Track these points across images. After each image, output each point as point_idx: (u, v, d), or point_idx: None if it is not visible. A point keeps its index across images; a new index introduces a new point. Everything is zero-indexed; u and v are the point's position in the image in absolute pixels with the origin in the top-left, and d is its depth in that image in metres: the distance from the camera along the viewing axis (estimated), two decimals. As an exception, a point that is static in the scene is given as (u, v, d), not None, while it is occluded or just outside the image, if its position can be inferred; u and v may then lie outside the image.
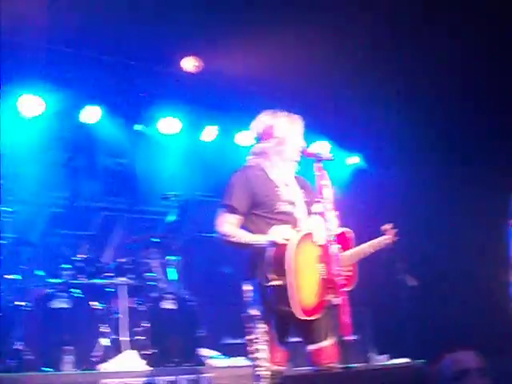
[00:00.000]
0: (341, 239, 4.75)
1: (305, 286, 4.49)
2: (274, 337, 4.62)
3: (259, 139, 4.94)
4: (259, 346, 4.58)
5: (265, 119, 4.94)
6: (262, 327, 4.58)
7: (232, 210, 4.72)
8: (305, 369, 5.14)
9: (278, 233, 4.56)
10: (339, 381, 4.12)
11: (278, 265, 4.49)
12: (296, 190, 4.87)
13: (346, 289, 4.51)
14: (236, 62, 8.79)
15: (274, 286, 4.49)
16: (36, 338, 6.58)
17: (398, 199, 9.50)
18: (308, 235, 4.62)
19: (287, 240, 4.51)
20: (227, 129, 10.15)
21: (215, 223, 4.76)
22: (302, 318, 4.48)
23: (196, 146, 9.96)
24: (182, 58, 9.19)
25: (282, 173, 4.88)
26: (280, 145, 4.86)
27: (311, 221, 4.77)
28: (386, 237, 5.44)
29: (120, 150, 9.53)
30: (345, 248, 4.83)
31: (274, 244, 4.53)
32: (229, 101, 9.74)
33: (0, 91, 8.29)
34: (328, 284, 4.55)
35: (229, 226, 4.70)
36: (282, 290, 4.45)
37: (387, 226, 5.46)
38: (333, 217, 4.67)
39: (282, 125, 4.88)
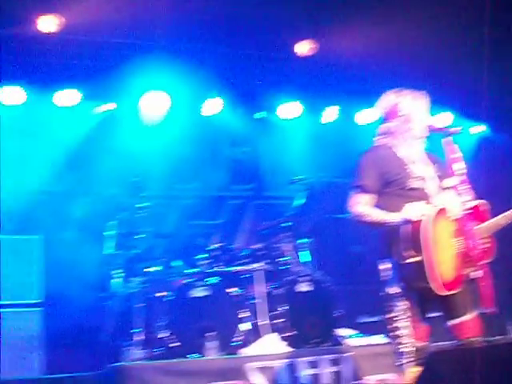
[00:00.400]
0: (476, 212, 4.71)
1: (442, 261, 4.47)
2: (416, 313, 4.63)
3: (385, 119, 4.95)
4: (401, 324, 4.60)
5: (389, 98, 4.94)
6: (402, 304, 4.60)
7: (364, 189, 4.75)
8: (447, 343, 5.13)
9: (412, 210, 4.55)
10: (483, 355, 4.07)
11: (414, 241, 4.48)
12: (426, 166, 4.85)
13: (484, 261, 4.47)
14: (352, 40, 8.75)
15: (411, 263, 4.49)
16: (179, 327, 6.86)
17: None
18: (442, 210, 4.59)
19: (422, 216, 4.50)
20: (347, 109, 10.13)
21: (348, 204, 4.81)
22: (442, 294, 4.47)
23: (317, 128, 9.98)
24: (296, 42, 9.22)
25: (410, 150, 4.87)
26: (406, 123, 4.85)
27: (444, 196, 4.73)
28: None
29: (243, 139, 9.69)
30: (480, 220, 4.76)
31: (408, 221, 4.53)
32: (347, 81, 9.72)
33: (124, 90, 8.65)
34: (465, 258, 4.53)
35: (362, 205, 4.74)
36: (420, 266, 4.45)
37: None
38: (465, 190, 4.64)
39: (406, 102, 4.86)
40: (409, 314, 4.59)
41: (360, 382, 6.63)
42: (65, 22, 7.93)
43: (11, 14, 7.69)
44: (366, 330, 7.77)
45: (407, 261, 4.51)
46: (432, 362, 3.30)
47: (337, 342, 7.27)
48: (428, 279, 4.42)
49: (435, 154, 4.93)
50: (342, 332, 7.43)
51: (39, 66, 8.29)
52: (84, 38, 8.15)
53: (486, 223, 4.83)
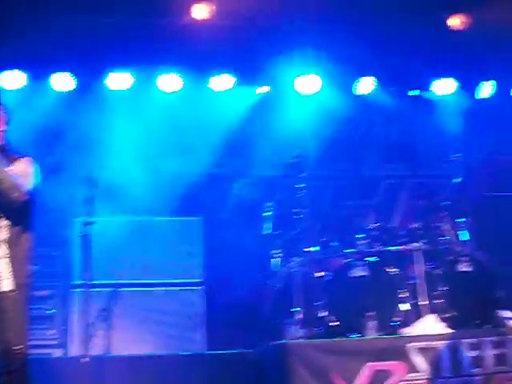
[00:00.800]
0: None
1: None
2: None
3: None
4: None
5: None
6: None
7: None
8: None
9: None
10: None
11: None
12: None
13: None
14: (508, 12, 8.46)
15: None
16: (338, 306, 6.90)
17: None
18: None
19: None
20: (503, 84, 9.79)
21: None
22: None
23: (472, 104, 9.72)
24: (449, 16, 9.01)
25: None
26: None
27: None
28: None
29: (397, 117, 9.58)
30: None
31: None
32: (503, 54, 9.40)
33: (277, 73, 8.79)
34: None
35: None
36: None
37: None
38: None
39: None
40: None
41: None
42: (216, 9, 8.15)
43: (167, 2, 7.99)
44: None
45: None
46: None
47: (499, 323, 7.08)
48: None
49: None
50: (504, 313, 7.23)
51: (193, 52, 8.53)
52: (235, 23, 8.33)
53: None
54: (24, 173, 4.60)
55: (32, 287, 4.66)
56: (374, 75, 9.19)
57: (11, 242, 4.51)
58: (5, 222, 4.52)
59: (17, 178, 4.49)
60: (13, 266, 4.47)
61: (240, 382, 6.88)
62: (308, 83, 9.03)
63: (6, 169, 4.48)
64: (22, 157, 4.72)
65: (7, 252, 4.49)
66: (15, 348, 4.32)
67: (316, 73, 9.00)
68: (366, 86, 9.23)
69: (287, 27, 8.49)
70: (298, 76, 8.98)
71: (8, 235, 4.51)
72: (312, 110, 9.10)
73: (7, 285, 4.43)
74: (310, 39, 8.54)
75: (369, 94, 9.31)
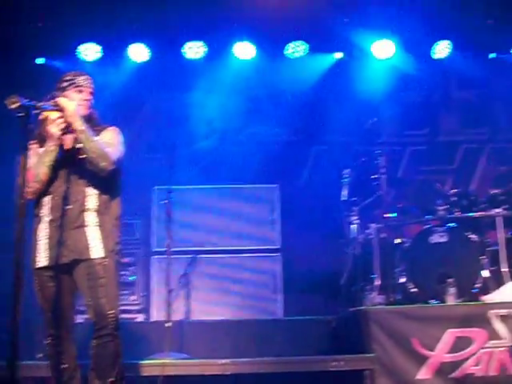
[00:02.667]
0: None
1: None
2: None
3: None
4: None
5: None
6: None
7: None
8: None
9: None
10: None
11: None
12: None
13: None
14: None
15: None
16: (418, 273, 6.88)
17: None
18: None
19: None
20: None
21: None
22: None
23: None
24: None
25: None
26: None
27: None
28: None
29: (475, 81, 9.39)
30: None
31: None
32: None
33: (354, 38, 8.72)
34: None
35: None
36: None
37: None
38: None
39: None
40: None
41: None
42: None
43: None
44: None
45: None
46: None
47: None
48: None
49: None
50: None
51: (269, 21, 8.51)
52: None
53: None
54: (111, 142, 4.70)
55: (121, 254, 4.78)
56: (450, 39, 9.01)
57: (100, 211, 4.63)
58: (94, 191, 4.62)
59: (105, 148, 4.59)
60: (102, 233, 4.59)
61: (318, 349, 6.93)
62: (383, 48, 8.93)
63: (95, 138, 4.58)
64: (109, 126, 4.82)
65: (97, 220, 4.61)
66: (109, 313, 4.45)
67: (391, 37, 8.89)
68: (442, 49, 9.07)
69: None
70: (373, 41, 8.88)
71: (97, 204, 4.63)
72: (388, 75, 9.02)
73: (98, 252, 4.55)
74: (384, 2, 8.44)
75: (446, 57, 9.15)
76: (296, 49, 8.96)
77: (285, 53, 9.00)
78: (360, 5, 8.49)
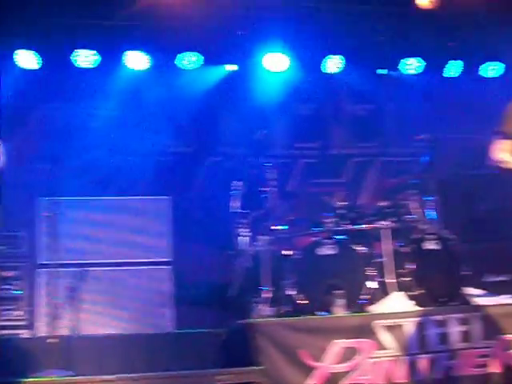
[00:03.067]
0: None
1: None
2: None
3: None
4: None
5: None
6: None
7: (504, 136, 4.82)
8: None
9: None
10: None
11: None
12: None
13: None
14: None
15: None
16: (306, 284, 6.92)
17: None
18: None
19: None
20: (471, 63, 9.82)
21: (490, 151, 4.83)
22: None
23: (440, 83, 9.74)
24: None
25: None
26: None
27: None
28: None
29: (366, 96, 9.57)
30: None
31: None
32: (470, 34, 9.43)
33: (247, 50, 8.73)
34: None
35: (503, 152, 4.74)
36: None
37: None
38: None
39: None
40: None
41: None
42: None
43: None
44: (494, 289, 7.60)
45: None
46: None
47: (464, 301, 7.15)
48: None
49: None
50: (469, 291, 7.30)
51: (163, 32, 8.44)
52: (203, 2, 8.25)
53: None
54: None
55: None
56: (341, 54, 9.15)
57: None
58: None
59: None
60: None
61: (208, 361, 6.86)
62: (276, 61, 8.97)
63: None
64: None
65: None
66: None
67: (284, 51, 8.95)
68: (333, 64, 9.20)
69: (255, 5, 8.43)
70: (266, 54, 8.91)
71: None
72: (280, 89, 9.06)
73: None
74: (278, 17, 8.50)
75: (337, 72, 9.28)
76: (190, 60, 8.89)
77: (178, 64, 8.92)
78: (254, 18, 8.53)
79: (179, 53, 8.89)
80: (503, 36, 9.08)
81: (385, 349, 6.21)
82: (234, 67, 9.19)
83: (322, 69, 9.23)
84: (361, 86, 9.40)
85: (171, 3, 8.08)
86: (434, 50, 9.58)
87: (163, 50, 8.82)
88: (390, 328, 6.27)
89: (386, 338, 6.25)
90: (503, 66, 9.59)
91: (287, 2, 8.55)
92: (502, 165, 4.76)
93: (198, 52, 8.88)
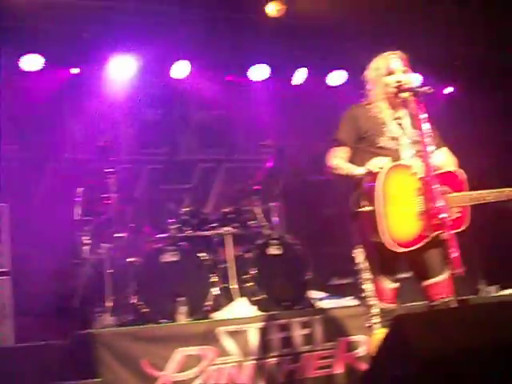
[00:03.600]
0: (450, 179, 4.69)
1: (396, 216, 4.48)
2: (380, 273, 4.64)
3: (365, 80, 5.03)
4: (367, 285, 4.63)
5: (371, 62, 4.98)
6: (367, 266, 4.64)
7: (339, 143, 4.87)
8: (419, 304, 5.14)
9: (374, 162, 4.59)
10: (453, 316, 4.06)
11: (370, 192, 4.52)
12: (406, 129, 4.86)
13: (453, 231, 4.40)
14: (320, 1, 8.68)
15: (364, 212, 4.52)
16: (150, 292, 6.81)
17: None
18: (404, 166, 4.62)
19: (381, 169, 4.52)
20: (318, 71, 10.01)
21: (326, 157, 4.90)
22: (395, 250, 4.47)
23: (288, 90, 9.88)
24: (265, 2, 9.09)
25: (388, 110, 4.89)
26: (376, 84, 4.91)
27: (415, 157, 4.73)
28: None
29: (213, 102, 9.56)
30: (455, 189, 4.70)
31: (370, 173, 4.58)
32: (317, 42, 9.62)
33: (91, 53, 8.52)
34: (430, 218, 4.51)
35: (336, 159, 4.84)
36: (373, 217, 4.46)
37: None
38: (436, 153, 4.65)
39: (370, 68, 4.97)
40: (373, 275, 4.62)
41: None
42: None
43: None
44: (338, 291, 7.77)
45: (360, 209, 4.56)
46: (398, 324, 3.26)
47: (308, 304, 7.28)
48: (377, 232, 4.44)
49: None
50: (313, 294, 7.44)
51: (6, 33, 8.10)
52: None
53: (463, 193, 4.73)
54: None
55: None
56: (189, 59, 9.10)
57: None
58: None
59: None
60: None
61: (51, 375, 6.60)
62: (123, 65, 8.79)
63: None
64: None
65: None
66: None
67: (131, 55, 8.78)
68: (181, 69, 9.12)
69: (100, 5, 8.24)
70: (113, 57, 8.72)
71: None
72: (127, 93, 8.89)
73: None
74: (126, 20, 8.35)
75: (185, 77, 9.21)
76: (32, 62, 8.53)
77: (22, 66, 8.54)
78: (100, 21, 8.33)
79: (22, 55, 8.54)
80: (347, 45, 9.34)
81: (228, 355, 6.22)
82: (77, 70, 8.91)
83: (170, 74, 9.12)
84: (208, 91, 9.37)
85: (17, 3, 7.77)
86: (281, 58, 9.70)
87: (6, 51, 8.45)
88: (233, 334, 6.29)
89: (230, 344, 6.25)
90: (346, 74, 9.83)
91: (135, 5, 8.43)
92: (335, 171, 4.84)
93: (41, 54, 8.56)
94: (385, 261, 4.64)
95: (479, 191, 4.79)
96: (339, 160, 4.82)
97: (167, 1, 8.50)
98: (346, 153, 4.86)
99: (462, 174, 4.79)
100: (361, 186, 4.62)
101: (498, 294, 8.59)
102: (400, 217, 4.51)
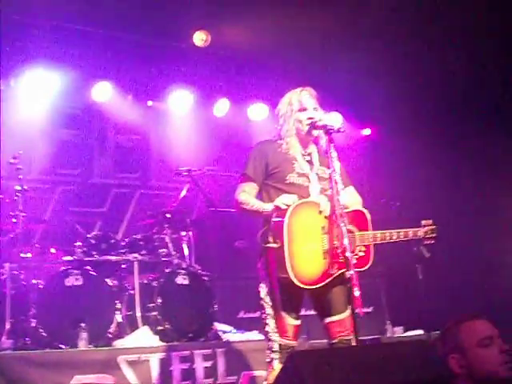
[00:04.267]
0: (357, 218, 4.72)
1: (302, 254, 4.50)
2: (283, 310, 4.62)
3: (277, 115, 5.03)
4: (270, 320, 4.61)
5: (283, 97, 4.98)
6: (270, 301, 4.62)
7: (247, 178, 4.85)
8: (320, 342, 5.14)
9: (282, 198, 4.60)
10: (351, 355, 4.06)
11: (277, 229, 4.52)
12: (315, 165, 4.88)
13: (357, 269, 4.41)
14: (246, 35, 8.75)
15: (272, 249, 4.52)
16: (51, 316, 6.60)
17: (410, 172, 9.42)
18: (312, 204, 4.64)
19: (288, 206, 4.52)
20: (239, 103, 10.05)
21: (235, 192, 4.87)
22: (300, 286, 4.47)
23: (208, 120, 9.87)
24: (191, 32, 9.11)
25: (299, 148, 4.89)
26: (285, 123, 4.91)
27: (323, 194, 4.75)
28: (421, 230, 5.07)
29: (132, 127, 9.46)
30: (360, 228, 4.73)
31: (278, 209, 4.57)
32: (240, 75, 9.69)
33: (13, 70, 8.33)
34: (334, 256, 4.53)
35: (244, 194, 4.82)
36: (280, 254, 4.46)
37: (427, 222, 5.12)
38: (343, 191, 4.66)
39: (283, 103, 4.98)
40: (276, 311, 4.60)
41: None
42: None
43: None
44: (244, 325, 7.72)
45: (267, 245, 4.55)
46: (290, 362, 3.23)
47: (214, 336, 7.20)
48: (283, 268, 4.44)
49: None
50: (219, 327, 7.37)
51: None
52: None
53: (369, 232, 4.79)
54: None
55: None
56: (111, 81, 9.00)
57: None
58: None
59: None
60: None
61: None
62: (42, 82, 8.60)
63: None
64: None
65: None
66: None
67: (52, 72, 8.63)
68: (102, 91, 9.01)
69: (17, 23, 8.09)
70: (32, 74, 8.54)
71: None
72: (44, 111, 8.70)
73: None
74: (47, 37, 8.24)
75: (105, 100, 9.11)
76: None
77: None
78: (21, 35, 8.20)
79: None
80: (269, 80, 9.43)
81: (128, 384, 6.07)
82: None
83: (90, 95, 8.99)
84: (128, 116, 9.28)
85: None
86: (204, 87, 9.72)
87: None
88: (133, 363, 6.17)
89: (129, 373, 6.12)
90: (267, 108, 9.90)
91: (57, 23, 8.32)
92: (243, 206, 4.80)
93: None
94: (288, 297, 4.62)
95: (383, 231, 4.85)
96: (247, 195, 4.79)
97: (93, 22, 8.42)
98: (254, 188, 4.83)
99: (367, 214, 4.85)
100: (269, 223, 4.61)
101: (403, 334, 8.69)
102: (306, 255, 4.52)
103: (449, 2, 7.91)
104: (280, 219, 4.53)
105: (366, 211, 4.85)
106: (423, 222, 5.13)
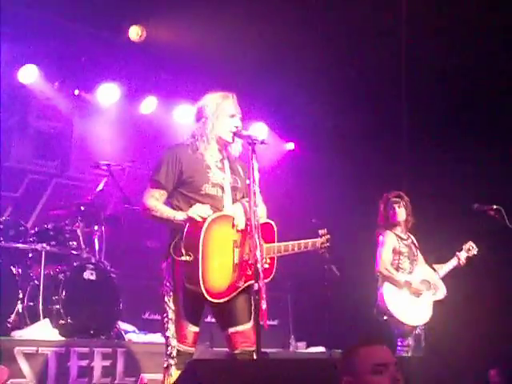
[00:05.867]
0: (264, 230, 4.65)
1: (214, 268, 4.46)
2: (186, 316, 4.58)
3: (195, 119, 4.89)
4: (170, 324, 4.55)
5: (201, 100, 4.89)
6: (171, 306, 4.55)
7: (158, 185, 4.68)
8: (223, 350, 5.11)
9: (197, 209, 4.51)
10: (250, 366, 4.07)
11: (191, 241, 4.45)
12: (228, 174, 4.80)
13: (263, 280, 4.39)
14: (181, 33, 8.70)
15: (183, 261, 4.45)
16: None
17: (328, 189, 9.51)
18: (226, 217, 4.60)
19: (202, 218, 4.45)
20: (167, 103, 9.95)
21: (142, 196, 4.72)
22: (210, 300, 4.44)
23: (134, 116, 9.74)
24: (127, 26, 8.99)
25: (215, 154, 4.80)
26: (208, 125, 4.77)
27: (237, 206, 4.70)
28: (319, 240, 5.16)
29: (55, 113, 9.24)
30: (266, 240, 4.69)
31: (190, 220, 4.49)
32: (170, 74, 9.59)
33: None
34: (243, 269, 4.52)
35: (153, 200, 4.67)
36: (191, 267, 4.40)
37: (323, 232, 5.21)
38: (260, 203, 4.65)
39: (210, 105, 4.81)
40: (176, 316, 4.54)
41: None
42: None
43: None
44: (148, 326, 7.62)
45: (181, 258, 4.46)
46: (190, 370, 3.20)
47: (116, 335, 7.09)
48: (196, 282, 4.39)
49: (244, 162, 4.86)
50: (122, 326, 7.27)
51: None
52: None
53: (274, 244, 4.77)
54: None
55: None
56: (37, 63, 8.77)
57: None
58: None
59: None
60: None
61: None
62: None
63: None
64: None
65: None
66: None
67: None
68: (28, 74, 8.76)
69: None
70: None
71: None
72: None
73: None
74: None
75: (30, 83, 8.86)
76: None
77: None
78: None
79: None
80: (197, 82, 9.34)
81: (22, 377, 5.91)
82: None
83: (18, 77, 8.74)
84: (53, 102, 9.06)
85: None
86: (134, 83, 9.58)
87: None
88: (29, 356, 6.00)
89: (24, 366, 5.95)
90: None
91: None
92: (152, 213, 4.64)
93: None
94: (192, 305, 4.57)
95: (286, 243, 4.86)
96: (156, 202, 4.64)
97: (30, 3, 8.21)
98: (163, 195, 4.69)
99: (274, 226, 4.84)
100: (180, 233, 4.51)
101: (306, 350, 8.77)
102: (217, 269, 4.47)
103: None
104: (194, 233, 4.44)
105: (273, 223, 4.84)
106: (320, 232, 5.21)
